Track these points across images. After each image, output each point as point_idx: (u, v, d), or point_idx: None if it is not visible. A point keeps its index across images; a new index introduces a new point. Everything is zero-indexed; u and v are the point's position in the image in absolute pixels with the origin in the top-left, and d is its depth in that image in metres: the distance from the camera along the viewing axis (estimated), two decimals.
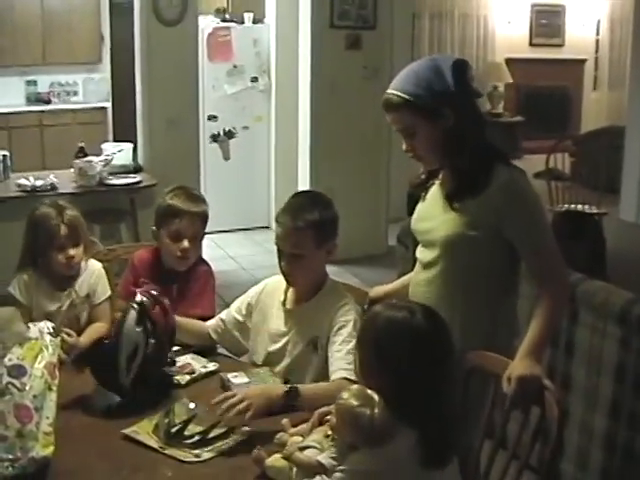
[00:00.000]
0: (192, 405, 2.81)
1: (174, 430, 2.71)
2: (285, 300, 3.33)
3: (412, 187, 3.33)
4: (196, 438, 2.70)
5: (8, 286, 3.65)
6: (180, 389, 3.13)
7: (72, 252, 3.61)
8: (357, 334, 2.58)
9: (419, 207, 3.25)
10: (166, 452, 2.66)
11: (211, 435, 2.71)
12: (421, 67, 3.03)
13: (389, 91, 3.03)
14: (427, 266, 3.13)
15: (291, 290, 3.33)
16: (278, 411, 2.80)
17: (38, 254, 3.67)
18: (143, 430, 2.78)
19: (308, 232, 3.14)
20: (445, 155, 3.03)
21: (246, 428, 2.73)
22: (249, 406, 2.74)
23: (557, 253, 2.96)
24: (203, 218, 3.74)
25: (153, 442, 2.72)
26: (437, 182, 3.16)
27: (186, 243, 3.65)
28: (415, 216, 3.25)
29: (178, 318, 3.38)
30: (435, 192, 3.15)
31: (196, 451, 2.66)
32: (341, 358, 3.07)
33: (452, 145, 2.98)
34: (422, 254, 3.18)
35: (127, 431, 2.79)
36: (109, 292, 3.76)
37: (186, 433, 2.71)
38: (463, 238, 2.98)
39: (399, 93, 2.98)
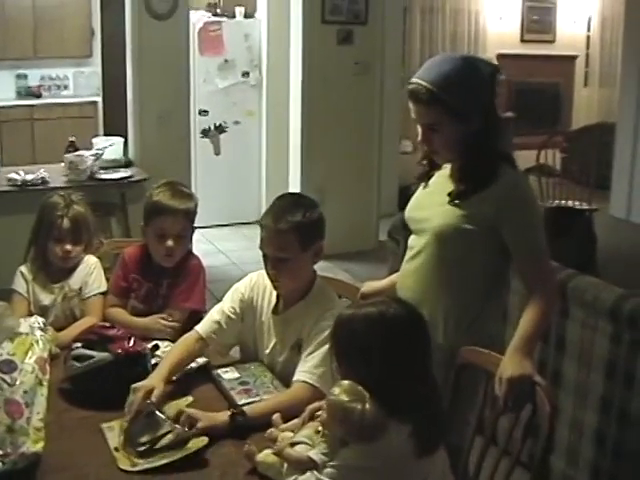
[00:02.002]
0: (154, 410, 2.75)
1: (134, 433, 2.68)
2: (275, 307, 3.25)
3: (416, 179, 3.29)
4: (144, 447, 2.64)
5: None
6: (169, 384, 3.12)
7: (69, 247, 3.63)
8: (332, 334, 2.54)
9: (418, 195, 3.23)
10: (114, 454, 2.62)
11: (158, 446, 2.64)
12: (459, 67, 2.94)
13: (419, 81, 2.94)
14: (415, 255, 3.13)
15: (283, 296, 3.24)
16: (228, 435, 2.76)
17: (39, 242, 3.70)
18: (119, 427, 2.75)
19: (291, 234, 3.04)
20: (461, 154, 3.01)
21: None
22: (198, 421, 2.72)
23: (548, 255, 2.97)
24: (188, 215, 3.68)
25: (115, 441, 2.69)
26: (442, 172, 3.14)
27: (170, 242, 3.62)
28: (412, 204, 3.23)
29: (167, 361, 3.14)
30: (441, 183, 3.12)
31: (140, 460, 2.60)
32: (307, 361, 3.03)
33: (470, 147, 2.96)
34: (412, 242, 3.17)
35: (104, 425, 2.78)
36: (103, 287, 3.75)
37: (138, 440, 2.66)
38: (455, 230, 2.97)
39: (432, 87, 2.90)
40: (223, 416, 2.80)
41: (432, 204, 3.10)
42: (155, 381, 2.90)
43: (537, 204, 3.09)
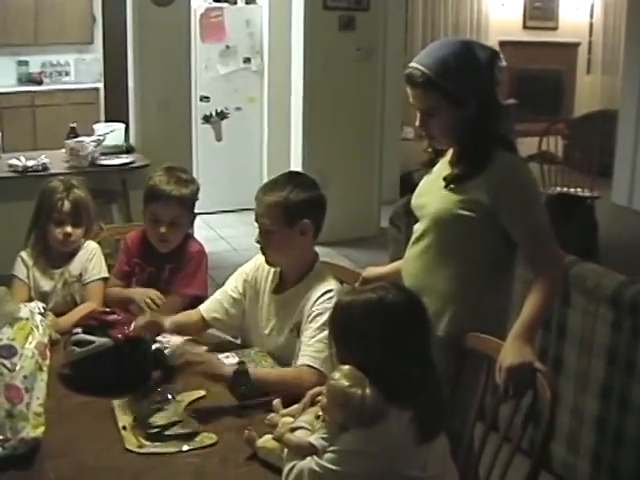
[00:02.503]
0: (169, 396, 2.79)
1: (145, 414, 2.70)
2: (276, 287, 3.29)
3: (421, 165, 3.29)
4: (154, 430, 2.65)
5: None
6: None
7: (69, 230, 3.64)
8: (330, 319, 2.54)
9: (422, 182, 3.24)
10: (122, 433, 2.65)
11: (169, 432, 2.65)
12: (457, 52, 2.93)
13: (416, 66, 2.93)
14: (416, 240, 3.14)
15: (283, 276, 3.29)
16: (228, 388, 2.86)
17: (39, 227, 3.70)
18: (129, 407, 2.78)
19: (276, 209, 3.10)
20: (458, 139, 3.01)
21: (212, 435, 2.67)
22: (200, 365, 2.86)
23: (553, 239, 2.93)
24: (182, 202, 3.67)
25: (123, 419, 2.72)
26: (444, 159, 3.13)
27: (163, 229, 3.64)
28: (416, 191, 3.24)
29: (172, 318, 3.30)
30: (441, 169, 3.11)
31: (147, 442, 2.61)
32: (310, 345, 3.04)
33: (468, 132, 2.95)
34: (415, 228, 3.18)
35: (116, 402, 2.82)
36: (104, 273, 3.76)
37: (150, 421, 2.67)
38: (451, 215, 2.97)
39: (428, 72, 2.89)
40: (228, 369, 2.86)
41: (432, 190, 3.11)
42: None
43: (536, 188, 3.07)
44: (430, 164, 3.21)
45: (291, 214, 3.11)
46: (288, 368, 3.08)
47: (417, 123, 3.04)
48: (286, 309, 3.23)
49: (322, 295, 3.12)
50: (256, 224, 3.21)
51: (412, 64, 2.96)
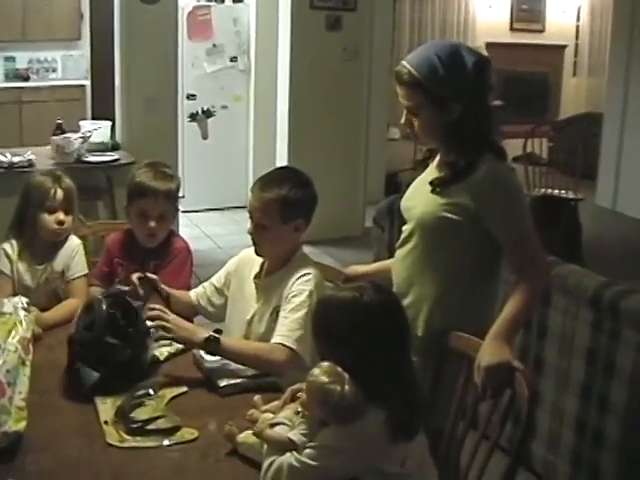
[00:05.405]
0: (151, 391, 2.81)
1: (127, 409, 2.70)
2: (258, 273, 3.35)
3: (414, 164, 3.33)
4: (136, 425, 2.65)
5: None
6: (157, 364, 3.14)
7: (62, 217, 3.64)
8: (311, 318, 2.57)
9: (412, 185, 3.27)
10: (103, 427, 2.65)
11: (150, 427, 2.65)
12: (444, 54, 2.95)
13: (404, 64, 2.98)
14: (403, 242, 3.18)
15: (266, 263, 3.34)
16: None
17: (28, 218, 3.69)
18: (112, 403, 2.78)
19: (273, 205, 3.16)
20: (444, 142, 3.04)
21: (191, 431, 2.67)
22: (169, 330, 2.98)
23: (538, 244, 2.96)
24: (169, 196, 3.74)
25: (105, 414, 2.72)
26: (434, 163, 3.16)
27: (152, 223, 3.68)
28: (406, 193, 3.27)
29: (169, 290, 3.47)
30: (429, 173, 3.15)
31: (128, 437, 2.61)
32: (284, 325, 3.10)
33: (450, 136, 2.99)
34: (404, 229, 3.21)
35: (98, 399, 2.82)
36: (86, 269, 3.77)
37: (131, 415, 2.68)
38: (435, 218, 2.99)
39: (414, 71, 2.94)
40: (200, 334, 3.00)
41: (419, 193, 3.14)
42: None
43: (521, 195, 3.08)
44: (424, 163, 3.24)
45: (288, 212, 3.18)
46: (262, 343, 3.15)
47: (402, 120, 3.08)
48: (267, 294, 3.27)
49: (299, 277, 3.18)
50: (249, 215, 3.27)
51: (402, 62, 3.01)
